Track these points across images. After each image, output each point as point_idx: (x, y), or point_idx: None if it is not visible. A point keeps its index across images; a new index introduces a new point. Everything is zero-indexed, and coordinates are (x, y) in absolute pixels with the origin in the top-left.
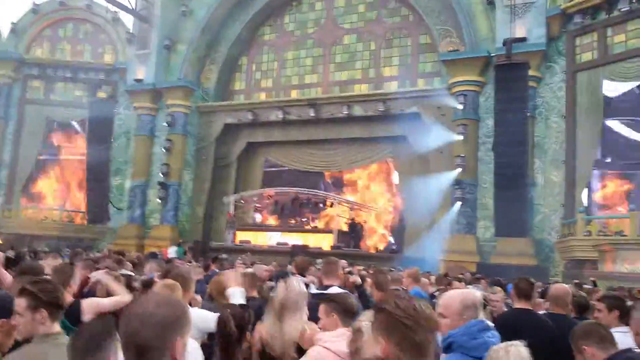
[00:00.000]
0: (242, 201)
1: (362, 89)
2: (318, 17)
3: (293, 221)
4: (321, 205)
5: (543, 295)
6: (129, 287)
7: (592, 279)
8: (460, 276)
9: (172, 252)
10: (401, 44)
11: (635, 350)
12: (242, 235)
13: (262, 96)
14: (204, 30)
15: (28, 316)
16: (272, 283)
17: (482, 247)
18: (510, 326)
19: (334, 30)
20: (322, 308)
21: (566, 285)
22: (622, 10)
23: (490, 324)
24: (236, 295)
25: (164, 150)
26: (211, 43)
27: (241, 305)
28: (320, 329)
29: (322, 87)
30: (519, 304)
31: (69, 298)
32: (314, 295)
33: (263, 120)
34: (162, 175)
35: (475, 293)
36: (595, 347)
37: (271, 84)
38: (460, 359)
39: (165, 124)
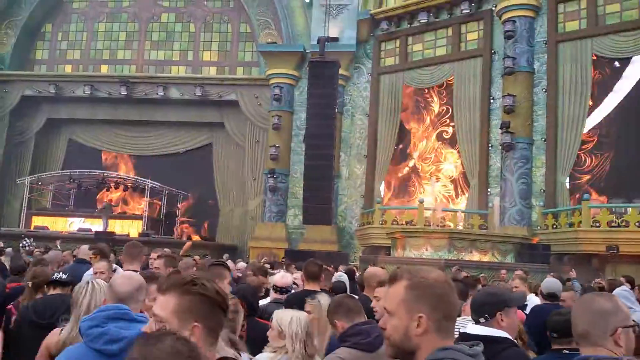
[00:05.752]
0: (39, 183)
1: (180, 70)
2: None
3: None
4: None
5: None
6: None
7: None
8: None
9: None
10: (221, 29)
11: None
12: (38, 221)
13: (68, 69)
14: None
15: None
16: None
17: (291, 234)
18: (298, 304)
19: (152, 6)
20: None
21: (379, 269)
22: (421, 21)
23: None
24: None
25: None
26: (9, 4)
27: None
28: None
29: (136, 65)
30: (308, 286)
31: None
32: None
33: (67, 95)
34: None
35: None
36: (344, 319)
37: (79, 56)
38: (83, 351)
39: None
